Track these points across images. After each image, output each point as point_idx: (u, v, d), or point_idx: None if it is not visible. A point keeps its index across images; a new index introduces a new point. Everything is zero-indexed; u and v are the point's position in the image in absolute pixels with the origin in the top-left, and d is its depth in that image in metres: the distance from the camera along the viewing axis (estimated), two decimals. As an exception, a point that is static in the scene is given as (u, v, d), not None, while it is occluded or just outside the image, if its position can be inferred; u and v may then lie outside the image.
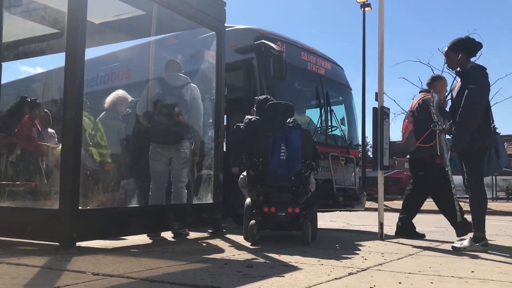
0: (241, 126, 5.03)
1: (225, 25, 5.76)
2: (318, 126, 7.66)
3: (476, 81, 4.30)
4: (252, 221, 4.60)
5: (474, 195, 4.36)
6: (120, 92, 5.97)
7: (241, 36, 7.22)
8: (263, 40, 6.82)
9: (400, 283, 2.66)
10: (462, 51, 4.47)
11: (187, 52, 7.55)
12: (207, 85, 6.12)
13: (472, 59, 4.53)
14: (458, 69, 4.55)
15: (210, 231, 5.40)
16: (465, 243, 4.31)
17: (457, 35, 4.63)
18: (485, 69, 4.43)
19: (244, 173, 5.26)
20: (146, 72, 7.24)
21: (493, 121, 4.58)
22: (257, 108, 5.25)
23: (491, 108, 4.62)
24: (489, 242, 4.35)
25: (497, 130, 4.67)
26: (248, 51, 6.99)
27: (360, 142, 12.67)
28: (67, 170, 3.78)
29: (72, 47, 3.87)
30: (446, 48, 4.59)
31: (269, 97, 5.36)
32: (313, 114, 7.93)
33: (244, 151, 5.08)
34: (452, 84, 4.92)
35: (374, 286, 2.56)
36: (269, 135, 4.83)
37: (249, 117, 5.17)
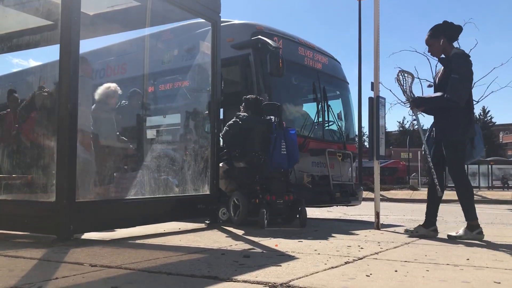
0: (239, 122, 5.42)
1: (222, 19, 5.73)
2: (315, 121, 7.65)
3: (459, 71, 4.28)
4: (263, 209, 5.16)
5: (459, 185, 4.40)
6: (110, 85, 5.96)
7: (237, 31, 7.18)
8: (259, 36, 6.78)
9: (396, 271, 2.68)
10: (444, 36, 4.44)
11: (183, 47, 7.52)
12: (204, 77, 6.11)
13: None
14: (443, 56, 4.51)
15: (207, 222, 5.42)
16: (460, 231, 4.35)
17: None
18: (468, 56, 4.42)
19: (221, 164, 5.59)
20: (142, 66, 7.25)
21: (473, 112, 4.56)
22: (249, 106, 5.67)
23: (472, 98, 4.58)
24: (484, 230, 4.38)
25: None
26: (244, 47, 6.95)
27: (357, 136, 12.72)
28: (64, 163, 3.78)
29: (66, 39, 3.85)
30: (427, 36, 4.54)
31: (259, 96, 5.88)
32: (310, 109, 7.92)
33: (238, 145, 5.50)
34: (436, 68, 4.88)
35: (371, 274, 2.58)
36: (265, 131, 5.41)
37: (242, 114, 5.57)
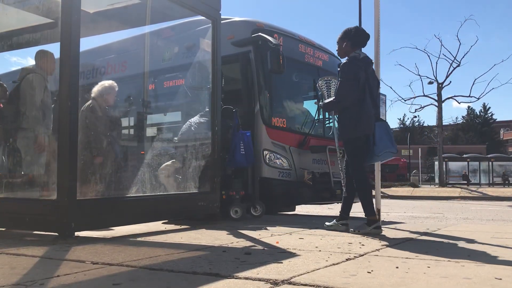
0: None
1: (222, 17, 5.72)
2: (315, 118, 7.64)
3: (342, 74, 4.57)
4: (236, 203, 5.85)
5: (357, 184, 4.60)
6: (107, 82, 5.91)
7: (238, 28, 7.16)
8: (260, 33, 6.77)
9: (397, 267, 2.68)
10: (349, 40, 4.66)
11: (183, 44, 7.51)
12: (204, 75, 6.11)
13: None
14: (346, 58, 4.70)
15: (208, 218, 5.43)
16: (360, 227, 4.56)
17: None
18: (356, 60, 4.58)
19: (169, 162, 5.84)
20: (142, 64, 7.23)
21: (375, 109, 4.72)
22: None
23: (372, 96, 4.67)
24: (485, 226, 4.38)
25: (382, 118, 4.89)
26: (245, 44, 6.94)
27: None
28: (65, 160, 3.78)
29: (66, 37, 3.84)
30: (337, 37, 4.79)
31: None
32: (311, 106, 7.91)
33: None
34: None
35: (372, 271, 2.58)
36: (225, 133, 5.91)
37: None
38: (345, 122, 4.63)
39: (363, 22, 19.20)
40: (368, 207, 4.52)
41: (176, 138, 6.40)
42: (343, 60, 4.71)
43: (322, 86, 5.10)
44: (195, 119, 6.23)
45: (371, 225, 4.45)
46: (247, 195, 6.15)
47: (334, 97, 4.76)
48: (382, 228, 4.53)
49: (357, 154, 4.59)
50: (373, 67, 4.78)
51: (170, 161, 5.81)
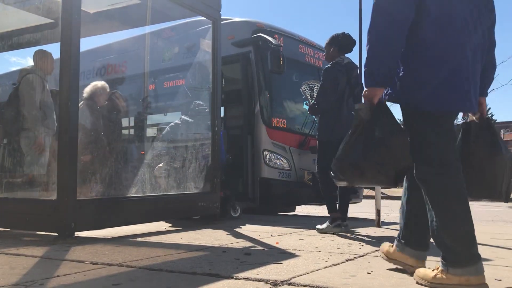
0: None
1: (222, 17, 5.72)
2: (315, 118, 7.64)
3: (323, 79, 4.73)
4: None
5: (320, 183, 4.80)
6: (99, 83, 5.90)
7: (238, 29, 7.17)
8: (260, 34, 6.77)
9: (397, 268, 2.68)
10: (335, 46, 4.80)
11: (183, 44, 7.52)
12: (204, 75, 6.11)
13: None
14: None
15: (208, 219, 5.43)
16: (324, 225, 4.67)
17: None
18: (339, 66, 4.71)
19: (161, 165, 5.87)
20: (142, 64, 7.24)
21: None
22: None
23: (354, 100, 4.79)
24: (485, 227, 4.38)
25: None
26: (245, 45, 6.95)
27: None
28: (65, 160, 3.78)
29: (67, 37, 3.84)
30: (325, 42, 4.94)
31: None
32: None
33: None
34: None
35: (372, 271, 2.58)
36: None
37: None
38: (323, 125, 4.77)
39: (363, 22, 19.17)
40: (328, 205, 4.73)
41: (164, 139, 6.42)
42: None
43: (305, 90, 5.23)
44: (174, 121, 6.35)
45: (332, 223, 4.58)
46: (226, 196, 6.08)
47: (314, 100, 4.92)
48: (349, 226, 4.67)
49: (327, 156, 4.64)
50: (358, 71, 4.92)
51: (161, 163, 5.82)
